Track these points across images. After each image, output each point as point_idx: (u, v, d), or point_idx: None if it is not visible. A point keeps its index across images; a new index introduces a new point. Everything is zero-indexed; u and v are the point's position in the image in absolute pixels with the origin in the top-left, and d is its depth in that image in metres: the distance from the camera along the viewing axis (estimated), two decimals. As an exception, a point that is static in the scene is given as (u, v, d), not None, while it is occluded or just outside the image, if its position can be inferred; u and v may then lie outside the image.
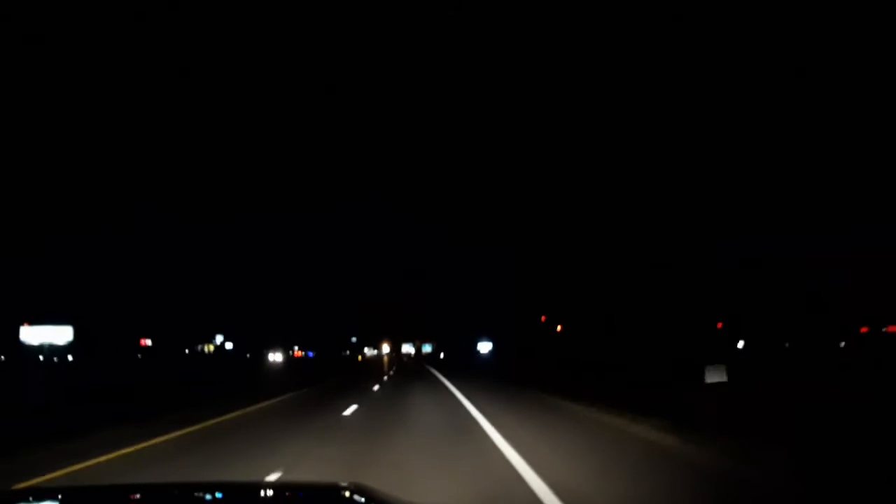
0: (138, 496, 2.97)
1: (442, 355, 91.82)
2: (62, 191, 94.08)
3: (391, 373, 42.77)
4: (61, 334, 62.60)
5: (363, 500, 2.73)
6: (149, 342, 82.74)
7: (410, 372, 43.46)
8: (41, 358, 61.54)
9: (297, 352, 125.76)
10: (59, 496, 2.98)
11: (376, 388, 25.35)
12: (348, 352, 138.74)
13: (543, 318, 68.90)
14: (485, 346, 78.10)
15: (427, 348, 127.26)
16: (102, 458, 9.14)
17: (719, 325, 41.50)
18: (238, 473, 7.78)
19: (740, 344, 39.19)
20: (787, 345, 38.29)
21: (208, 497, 2.93)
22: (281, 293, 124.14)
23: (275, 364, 72.99)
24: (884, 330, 38.30)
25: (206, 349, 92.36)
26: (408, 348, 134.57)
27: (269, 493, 3.25)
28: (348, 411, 15.35)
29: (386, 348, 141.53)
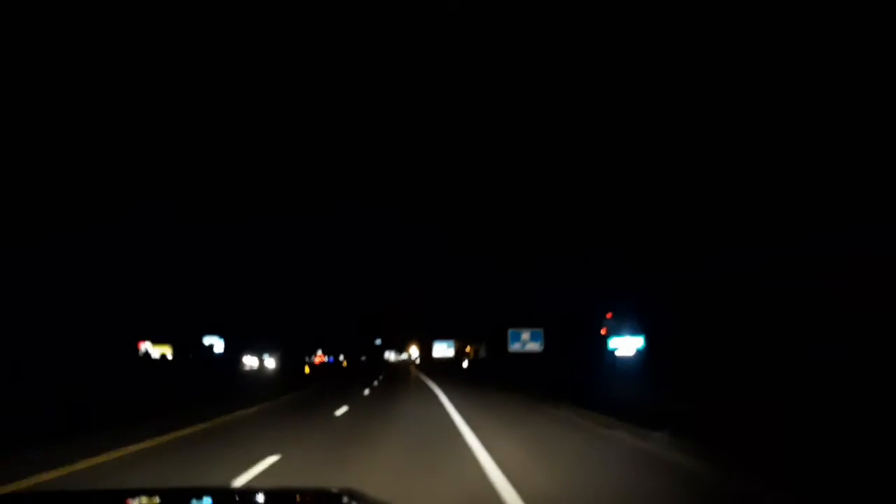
0: (124, 503, 2.86)
1: None
2: (60, 189, 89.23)
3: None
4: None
5: None
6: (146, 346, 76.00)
7: None
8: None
9: (320, 356, 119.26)
10: (49, 500, 3.11)
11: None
12: (342, 356, 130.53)
13: (610, 314, 55.64)
14: (629, 344, 32.81)
15: (533, 342, 36.30)
16: None
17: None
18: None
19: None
20: None
21: (199, 502, 2.86)
22: (297, 296, 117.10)
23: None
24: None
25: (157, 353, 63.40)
26: (443, 349, 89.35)
27: (262, 498, 3.08)
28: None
29: (415, 352, 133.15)
